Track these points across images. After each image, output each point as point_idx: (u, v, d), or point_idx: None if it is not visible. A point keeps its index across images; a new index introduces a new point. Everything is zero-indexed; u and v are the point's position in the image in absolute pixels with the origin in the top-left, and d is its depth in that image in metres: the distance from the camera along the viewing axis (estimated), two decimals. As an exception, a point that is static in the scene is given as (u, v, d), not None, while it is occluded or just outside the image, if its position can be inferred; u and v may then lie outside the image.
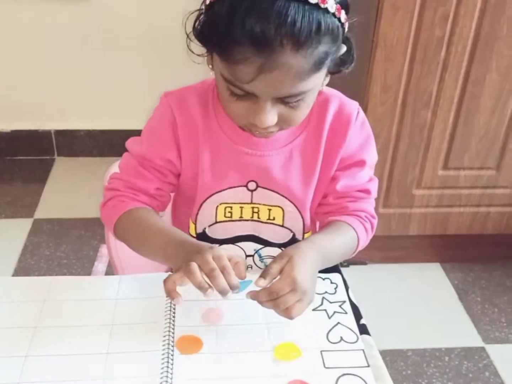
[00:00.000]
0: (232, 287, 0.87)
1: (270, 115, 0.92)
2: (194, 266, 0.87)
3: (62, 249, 2.29)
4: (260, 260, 1.17)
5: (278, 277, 0.90)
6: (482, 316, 2.08)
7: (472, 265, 2.30)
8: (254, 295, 0.90)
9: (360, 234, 1.08)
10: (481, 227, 2.21)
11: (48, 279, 1.07)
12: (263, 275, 0.91)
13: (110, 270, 1.37)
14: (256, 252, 1.16)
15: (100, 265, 1.57)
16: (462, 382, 1.81)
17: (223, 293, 0.87)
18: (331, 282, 1.09)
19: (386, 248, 2.25)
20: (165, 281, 0.90)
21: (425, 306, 2.10)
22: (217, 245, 0.93)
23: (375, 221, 1.13)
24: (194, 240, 0.99)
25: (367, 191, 1.12)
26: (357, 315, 1.03)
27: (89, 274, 1.41)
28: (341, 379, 0.89)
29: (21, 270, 2.16)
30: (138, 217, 1.05)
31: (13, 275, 2.10)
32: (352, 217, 1.09)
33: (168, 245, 0.97)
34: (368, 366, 0.92)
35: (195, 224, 1.14)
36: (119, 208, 1.07)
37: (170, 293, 0.90)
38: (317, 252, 0.97)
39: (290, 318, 0.90)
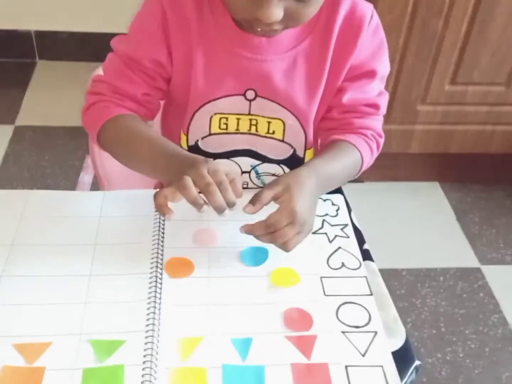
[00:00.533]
0: (229, 204, 0.79)
1: (277, 9, 0.80)
2: (188, 180, 0.78)
3: (45, 159, 2.18)
4: (257, 177, 1.08)
5: (272, 207, 0.83)
6: (479, 237, 2.03)
7: (472, 186, 2.23)
8: (249, 229, 0.83)
9: (365, 155, 0.99)
10: (485, 146, 2.12)
11: (24, 193, 0.98)
12: (252, 201, 0.83)
13: (97, 182, 1.28)
14: (253, 168, 1.07)
15: (86, 176, 1.47)
16: (457, 302, 1.80)
17: (219, 210, 0.79)
18: (333, 204, 1.01)
19: (385, 166, 2.16)
20: (155, 195, 0.82)
21: (422, 225, 2.06)
22: (212, 159, 0.83)
23: (381, 140, 1.03)
24: (187, 152, 0.89)
25: (376, 106, 1.01)
26: (360, 239, 0.96)
27: (74, 185, 1.32)
28: (342, 308, 0.83)
29: (3, 180, 2.07)
30: (124, 125, 0.95)
31: (-6, 185, 2.02)
32: (357, 136, 1.00)
33: (157, 157, 0.88)
34: (371, 294, 0.85)
35: (187, 135, 1.04)
36: (103, 114, 0.96)
37: (161, 208, 0.82)
38: (317, 179, 0.88)
39: (287, 250, 0.84)
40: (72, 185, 2.01)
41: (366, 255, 0.92)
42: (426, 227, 2.05)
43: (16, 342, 0.75)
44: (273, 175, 1.08)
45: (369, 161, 1.01)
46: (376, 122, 1.03)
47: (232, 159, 1.05)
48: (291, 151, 1.05)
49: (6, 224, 0.92)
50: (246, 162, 1.06)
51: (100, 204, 0.97)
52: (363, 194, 2.11)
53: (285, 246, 0.83)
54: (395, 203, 2.13)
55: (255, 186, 1.10)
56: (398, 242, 1.97)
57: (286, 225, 0.81)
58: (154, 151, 0.89)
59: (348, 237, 0.95)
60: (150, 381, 0.71)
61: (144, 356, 0.74)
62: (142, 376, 0.72)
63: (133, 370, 0.73)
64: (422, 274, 1.88)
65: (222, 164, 0.83)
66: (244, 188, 1.09)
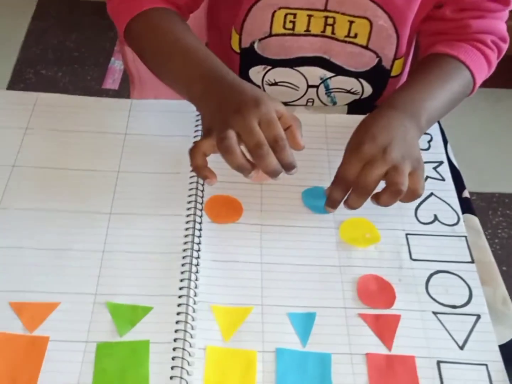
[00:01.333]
0: (287, 167, 0.60)
1: None
2: (232, 139, 0.59)
3: (72, 39, 1.93)
4: (326, 93, 0.85)
5: None
6: None
7: None
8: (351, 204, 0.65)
9: (478, 75, 0.75)
10: None
11: (33, 96, 0.78)
12: (328, 203, 0.67)
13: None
14: (322, 82, 0.84)
15: (117, 63, 1.26)
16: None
17: (273, 174, 0.60)
18: (424, 133, 0.78)
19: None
20: (191, 151, 0.63)
21: (499, 140, 1.78)
22: (264, 96, 0.63)
23: (505, 46, 0.78)
24: (233, 76, 0.66)
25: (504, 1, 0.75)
26: (459, 183, 0.74)
27: (103, 72, 1.11)
28: (434, 279, 0.63)
29: (25, 61, 1.86)
30: (156, 23, 0.73)
31: (15, 65, 1.82)
32: (471, 47, 0.74)
33: (193, 78, 0.67)
34: (473, 261, 0.65)
35: (240, 35, 0.81)
36: (133, 6, 0.74)
37: (200, 171, 0.63)
38: (416, 122, 0.68)
39: (419, 195, 0.65)
40: (101, 71, 1.81)
41: (467, 206, 0.71)
42: (502, 143, 1.78)
43: (13, 300, 0.59)
44: (348, 91, 0.85)
45: (483, 79, 0.77)
46: (500, 23, 0.77)
47: (297, 68, 0.82)
48: (376, 60, 0.80)
49: (9, 139, 0.73)
50: (315, 74, 0.83)
51: (126, 117, 0.77)
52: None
53: (414, 193, 0.64)
54: (471, 111, 1.84)
55: (322, 104, 0.87)
56: (468, 158, 1.71)
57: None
58: (190, 67, 0.68)
59: (443, 179, 0.73)
60: (182, 367, 0.55)
61: (176, 331, 0.57)
62: (173, 359, 0.55)
63: (160, 348, 0.56)
64: (495, 200, 1.64)
65: (278, 103, 0.63)
66: (309, 104, 0.86)
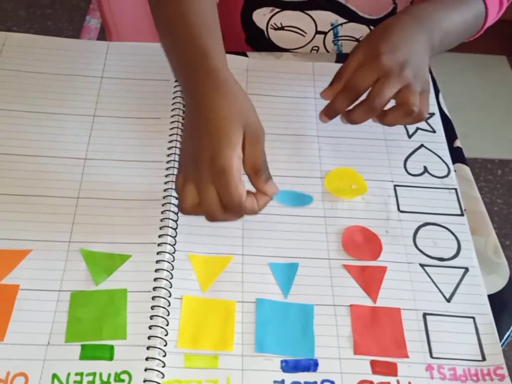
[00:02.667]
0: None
1: None
2: (188, 204, 0.54)
3: (45, -5, 1.86)
4: (334, 41, 0.81)
5: None
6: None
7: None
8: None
9: (491, 11, 0.70)
10: None
11: (1, 36, 0.73)
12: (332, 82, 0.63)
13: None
14: (332, 28, 0.80)
15: (93, 21, 1.21)
16: (514, 200, 1.58)
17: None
18: (415, 83, 0.75)
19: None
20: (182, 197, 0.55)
21: (483, 107, 1.77)
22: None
23: None
24: (219, 80, 0.55)
25: None
26: (450, 133, 0.71)
27: (78, 31, 1.06)
28: (421, 231, 0.61)
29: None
30: None
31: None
32: None
33: (185, 61, 0.58)
34: (463, 214, 0.63)
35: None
36: None
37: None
38: (432, 41, 0.63)
39: (423, 118, 0.63)
40: (76, 30, 1.74)
41: (458, 156, 0.68)
42: (487, 109, 1.76)
43: (-19, 247, 0.56)
44: (357, 40, 0.81)
45: (495, 16, 0.73)
46: None
47: (308, 12, 0.78)
48: (391, 7, 0.76)
49: (-23, 80, 0.69)
50: (326, 19, 0.79)
51: (102, 60, 0.72)
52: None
53: (420, 115, 0.61)
54: (458, 76, 1.82)
55: (325, 52, 0.82)
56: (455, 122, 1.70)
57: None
58: (188, 47, 0.58)
59: (434, 131, 0.70)
60: (162, 316, 0.52)
61: (155, 280, 0.55)
62: (152, 308, 0.53)
63: (138, 297, 0.54)
64: (477, 166, 1.64)
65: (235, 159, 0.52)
66: (313, 52, 0.82)
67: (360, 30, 0.80)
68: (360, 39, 0.81)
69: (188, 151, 0.55)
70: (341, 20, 0.79)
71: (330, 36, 0.81)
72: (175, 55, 0.61)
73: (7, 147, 0.63)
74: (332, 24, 0.80)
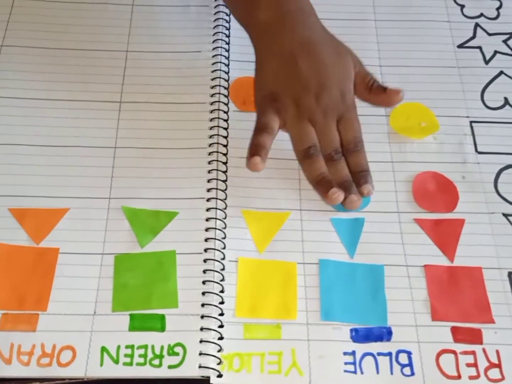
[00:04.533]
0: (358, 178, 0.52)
1: None
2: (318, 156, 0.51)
3: None
4: None
5: None
6: None
7: None
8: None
9: None
10: None
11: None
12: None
13: None
14: None
15: None
16: None
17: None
18: (492, -3, 0.65)
19: None
20: (254, 142, 0.52)
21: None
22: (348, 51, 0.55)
23: None
24: (315, 19, 0.55)
25: None
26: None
27: None
28: (503, 176, 0.53)
29: None
30: None
31: None
32: None
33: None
34: (550, 154, 0.55)
35: None
36: None
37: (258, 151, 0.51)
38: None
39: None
40: None
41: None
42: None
43: (14, 206, 0.51)
44: None
45: None
46: None
47: None
48: None
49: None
50: None
51: (132, -14, 0.64)
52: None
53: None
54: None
55: None
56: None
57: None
58: None
59: (515, 53, 0.61)
60: (216, 281, 0.47)
61: (206, 240, 0.49)
62: (204, 272, 0.48)
63: (189, 260, 0.49)
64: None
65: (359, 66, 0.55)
66: None
67: None
68: None
69: (289, 87, 0.53)
70: None
71: None
72: None
73: (32, 91, 0.56)
74: None
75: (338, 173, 0.51)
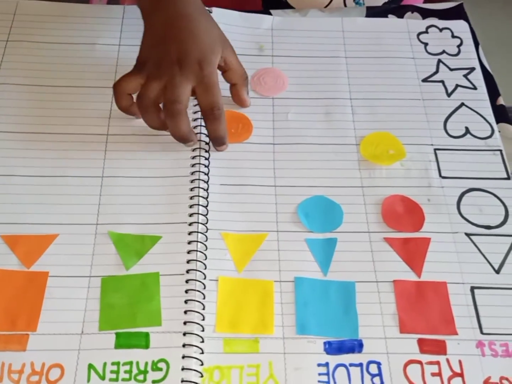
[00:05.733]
0: (216, 141, 0.59)
1: None
2: (147, 100, 0.56)
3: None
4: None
5: None
6: None
7: None
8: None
9: None
10: None
11: (12, 4, 0.69)
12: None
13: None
14: None
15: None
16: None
17: (182, 140, 0.59)
18: (452, 36, 0.70)
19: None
20: (115, 89, 0.59)
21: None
22: (219, 34, 0.61)
23: None
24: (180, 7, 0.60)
25: None
26: (493, 89, 0.66)
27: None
28: (466, 198, 0.57)
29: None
30: None
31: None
32: None
33: None
34: (509, 177, 0.59)
35: None
36: None
37: (126, 112, 0.60)
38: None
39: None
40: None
41: (502, 114, 0.64)
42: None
43: (6, 233, 0.54)
44: None
45: None
46: None
47: None
48: None
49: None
50: None
51: (119, 26, 0.68)
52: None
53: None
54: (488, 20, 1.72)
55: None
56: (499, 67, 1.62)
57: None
58: None
59: (475, 88, 0.65)
60: (197, 300, 0.50)
61: (188, 262, 0.52)
62: (186, 292, 0.51)
63: (172, 281, 0.52)
64: None
65: (228, 54, 0.60)
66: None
67: None
68: None
69: (152, 54, 0.57)
70: None
71: None
72: None
73: (24, 125, 0.60)
74: None
75: (177, 127, 0.56)
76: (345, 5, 0.75)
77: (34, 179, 0.57)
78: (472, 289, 0.52)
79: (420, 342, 0.49)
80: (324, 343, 0.49)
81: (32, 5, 0.69)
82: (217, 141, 0.59)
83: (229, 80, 0.61)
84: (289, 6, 0.75)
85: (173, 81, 0.55)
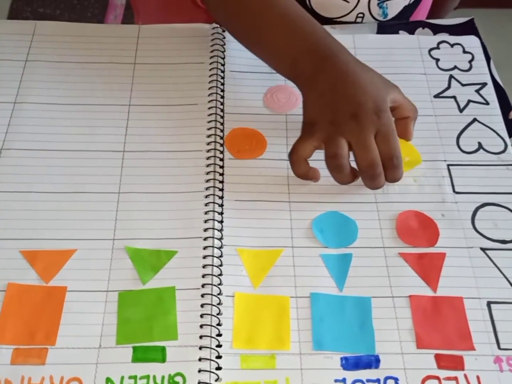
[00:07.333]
0: (391, 182, 0.59)
1: None
2: (345, 158, 0.56)
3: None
4: (378, 3, 0.75)
5: None
6: None
7: None
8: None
9: None
10: None
11: (31, 25, 0.71)
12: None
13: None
14: None
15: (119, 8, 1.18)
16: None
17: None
18: (464, 51, 0.70)
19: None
20: (292, 159, 0.59)
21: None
22: (383, 80, 0.61)
23: None
24: (347, 57, 0.60)
25: None
26: (505, 104, 0.67)
27: (104, 8, 1.03)
28: (480, 213, 0.57)
29: (15, 12, 1.76)
30: None
31: (12, 4, 1.73)
32: None
33: (300, 51, 0.60)
34: (523, 195, 0.59)
35: None
36: None
37: (305, 178, 0.59)
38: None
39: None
40: (102, 8, 1.72)
41: (514, 129, 0.64)
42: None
43: (25, 248, 0.54)
44: None
45: None
46: None
47: None
48: None
49: (8, 74, 0.66)
50: None
51: (134, 45, 0.69)
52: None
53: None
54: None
55: (374, 20, 0.78)
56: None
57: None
58: (296, 39, 0.61)
59: (487, 103, 0.66)
60: (213, 314, 0.51)
61: (203, 276, 0.53)
62: (202, 306, 0.51)
63: (187, 295, 0.52)
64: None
65: (396, 94, 0.59)
66: (358, 22, 0.77)
67: None
68: None
69: (324, 114, 0.57)
70: None
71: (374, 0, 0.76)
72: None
73: (42, 143, 0.61)
74: None
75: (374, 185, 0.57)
76: (369, 11, 0.77)
77: (52, 195, 0.58)
78: (489, 304, 0.52)
79: (438, 357, 0.49)
80: (341, 358, 0.49)
81: (50, 26, 0.71)
82: (389, 182, 0.58)
83: (400, 116, 0.60)
84: (315, 13, 0.76)
85: (360, 137, 0.55)
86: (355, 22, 0.77)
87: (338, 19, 0.77)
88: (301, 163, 0.58)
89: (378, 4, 0.76)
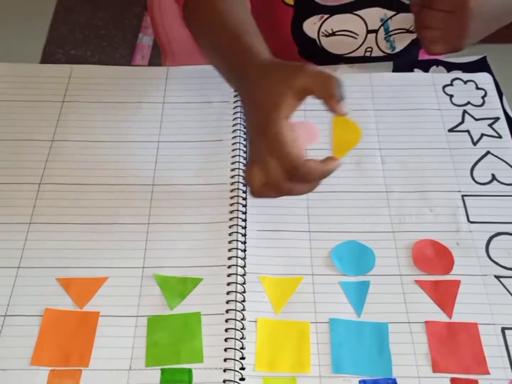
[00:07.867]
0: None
1: None
2: (255, 186, 0.54)
3: (99, 17, 1.92)
4: (385, 37, 0.80)
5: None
6: None
7: None
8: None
9: None
10: None
11: (67, 68, 0.76)
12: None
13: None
14: (383, 24, 0.79)
15: (145, 39, 1.24)
16: None
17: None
18: (477, 88, 0.73)
19: None
20: (248, 181, 0.55)
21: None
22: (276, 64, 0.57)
23: None
24: (266, 62, 0.57)
25: None
26: (517, 139, 0.70)
27: (132, 49, 1.09)
28: (494, 242, 0.60)
29: (54, 41, 1.86)
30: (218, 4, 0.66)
31: (45, 46, 1.82)
32: None
33: (231, 58, 0.61)
34: (535, 223, 0.61)
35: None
36: None
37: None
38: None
39: None
40: (130, 48, 1.80)
41: (525, 163, 0.67)
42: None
43: (61, 276, 0.58)
44: (407, 30, 0.80)
45: None
46: None
47: (357, 12, 0.77)
48: None
49: (46, 114, 0.71)
50: (376, 16, 0.78)
51: (163, 86, 0.74)
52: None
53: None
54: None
55: (382, 54, 0.82)
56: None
57: None
58: (232, 44, 0.60)
59: (500, 136, 0.69)
60: (237, 338, 0.53)
61: (227, 302, 0.56)
62: (226, 330, 0.54)
63: (212, 320, 0.55)
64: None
65: (304, 77, 0.53)
66: (367, 56, 0.81)
67: (409, 20, 0.78)
68: (411, 28, 0.80)
69: (248, 141, 0.57)
70: (389, 13, 0.78)
71: (381, 33, 0.80)
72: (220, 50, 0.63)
73: (77, 177, 0.65)
74: (381, 20, 0.79)
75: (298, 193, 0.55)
76: (377, 45, 0.80)
77: (86, 226, 0.62)
78: (503, 329, 0.54)
79: (453, 381, 0.51)
80: (359, 381, 0.51)
81: (85, 69, 0.76)
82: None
83: (320, 98, 0.54)
84: (325, 52, 0.79)
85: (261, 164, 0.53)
86: (364, 57, 0.80)
87: (348, 55, 0.81)
88: (258, 191, 0.55)
89: (385, 38, 0.79)
